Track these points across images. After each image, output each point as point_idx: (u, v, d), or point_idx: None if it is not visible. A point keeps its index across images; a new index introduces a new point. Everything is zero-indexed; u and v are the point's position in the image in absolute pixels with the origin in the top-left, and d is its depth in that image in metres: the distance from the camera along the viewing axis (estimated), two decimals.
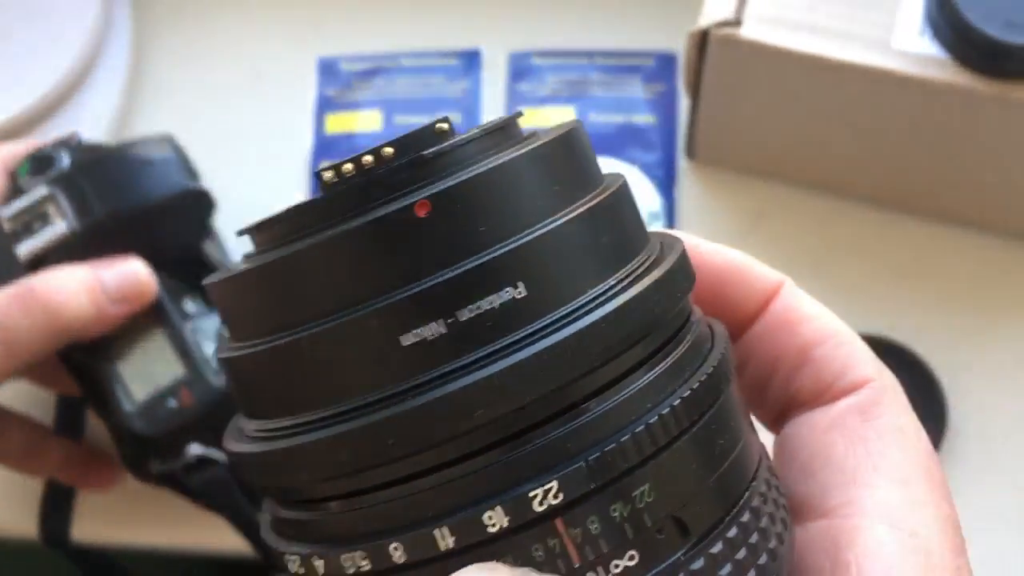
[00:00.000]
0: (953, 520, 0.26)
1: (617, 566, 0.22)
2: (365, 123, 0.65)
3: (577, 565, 0.21)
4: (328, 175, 0.23)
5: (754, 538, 0.23)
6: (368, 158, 0.23)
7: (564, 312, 0.22)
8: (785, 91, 0.52)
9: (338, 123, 0.65)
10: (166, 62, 0.67)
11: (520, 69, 0.65)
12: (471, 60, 0.66)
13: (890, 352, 0.55)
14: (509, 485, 0.21)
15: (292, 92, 0.65)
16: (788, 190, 0.59)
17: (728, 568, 0.23)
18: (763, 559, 0.23)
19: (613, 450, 0.21)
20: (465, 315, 0.21)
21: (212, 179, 0.63)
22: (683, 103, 0.62)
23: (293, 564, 0.23)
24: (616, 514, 0.21)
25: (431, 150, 0.22)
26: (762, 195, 0.60)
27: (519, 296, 0.21)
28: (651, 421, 0.22)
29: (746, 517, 0.23)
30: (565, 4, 0.67)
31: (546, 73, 0.65)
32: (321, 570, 0.23)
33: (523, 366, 0.21)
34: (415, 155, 0.22)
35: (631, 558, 0.22)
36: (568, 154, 0.24)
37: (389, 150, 0.22)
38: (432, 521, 0.21)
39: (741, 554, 0.23)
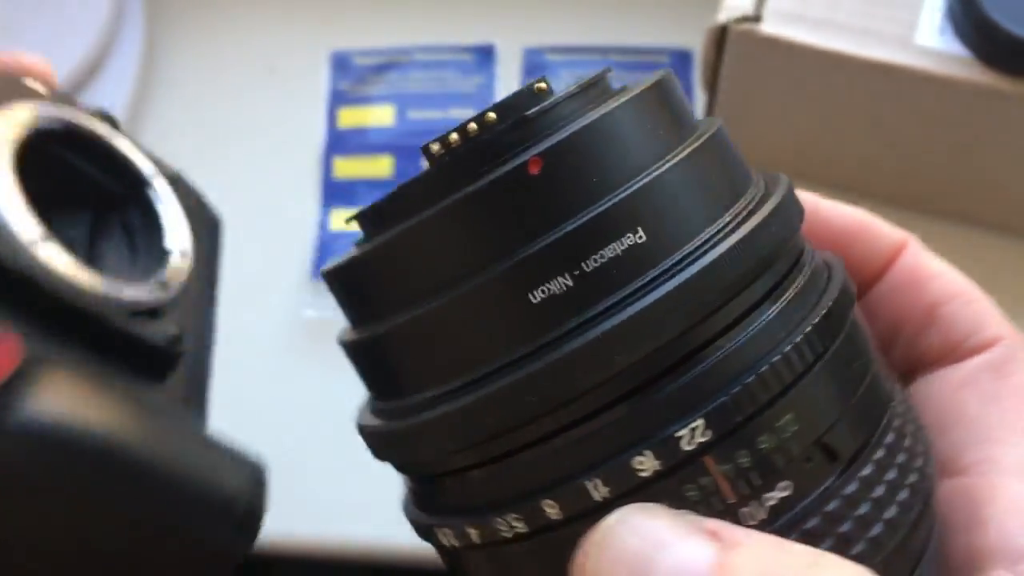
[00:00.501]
0: None
1: (771, 498, 0.21)
2: (377, 118, 0.64)
3: (732, 501, 0.21)
4: (436, 147, 0.23)
5: (901, 458, 0.23)
6: (472, 126, 0.23)
7: (686, 252, 0.22)
8: (804, 88, 0.52)
9: (350, 117, 0.64)
10: (178, 55, 0.66)
11: (534, 65, 0.65)
12: (485, 55, 0.65)
13: None
14: (656, 428, 0.21)
15: (304, 86, 0.65)
16: (804, 187, 0.59)
17: (881, 490, 0.22)
18: (912, 478, 0.23)
19: (754, 382, 0.21)
20: (590, 266, 0.21)
21: (223, 172, 0.63)
22: (698, 100, 0.62)
23: (446, 537, 0.23)
24: (764, 446, 0.21)
25: (534, 110, 0.23)
26: None
27: (640, 241, 0.21)
28: (786, 350, 0.22)
29: (890, 438, 0.23)
30: (580, 0, 0.66)
31: (560, 69, 0.65)
32: (476, 538, 0.23)
33: (655, 309, 0.21)
34: (518, 116, 0.22)
35: (784, 488, 0.22)
36: (665, 100, 0.24)
37: (492, 115, 0.23)
38: (583, 473, 0.21)
39: (891, 475, 0.23)
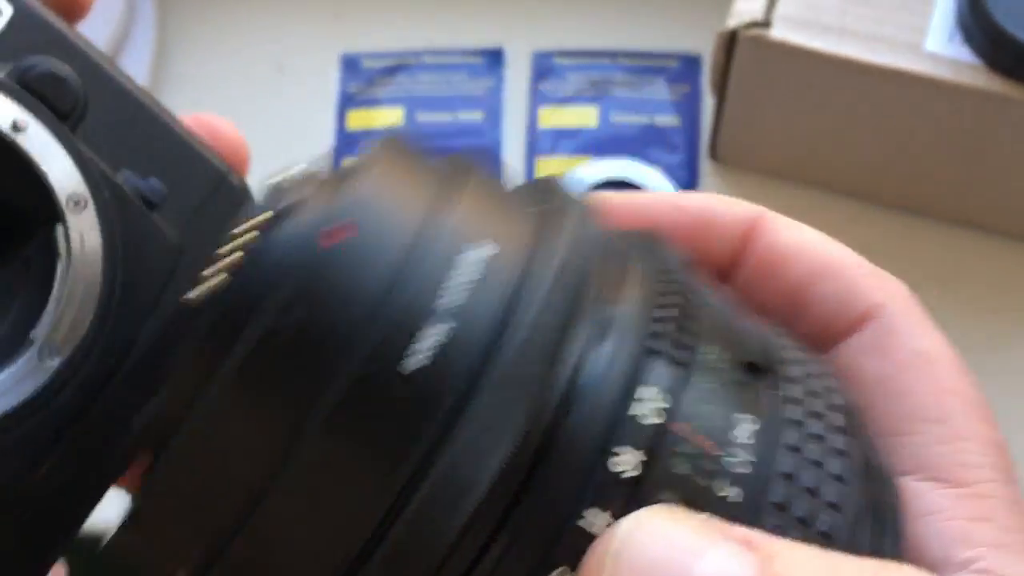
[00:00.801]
0: (997, 443, 0.23)
1: (736, 437, 0.20)
2: (387, 120, 0.64)
3: (717, 453, 0.19)
4: (197, 295, 0.20)
5: (794, 353, 0.22)
6: (217, 280, 0.20)
7: (541, 232, 0.20)
8: (813, 93, 0.52)
9: (359, 119, 0.65)
10: (189, 55, 0.67)
11: (543, 68, 0.65)
12: (494, 59, 0.65)
13: None
14: (614, 420, 0.19)
15: (314, 87, 0.65)
16: (812, 193, 0.59)
17: (812, 382, 0.22)
18: (816, 368, 0.23)
19: (671, 324, 0.20)
20: (455, 298, 0.19)
21: None
22: (707, 105, 0.62)
23: None
24: (708, 386, 0.20)
25: (286, 202, 0.20)
26: (785, 198, 0.59)
27: (495, 252, 0.19)
28: (680, 279, 0.21)
29: (780, 336, 0.23)
30: (590, 4, 0.66)
31: (569, 73, 0.65)
32: None
33: (550, 298, 0.19)
34: (275, 215, 0.20)
35: (746, 420, 0.20)
36: (406, 144, 0.22)
37: (250, 235, 0.20)
38: (572, 517, 0.18)
39: (805, 368, 0.22)
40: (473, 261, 0.19)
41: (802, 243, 0.25)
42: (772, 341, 0.23)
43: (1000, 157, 0.52)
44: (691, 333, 0.21)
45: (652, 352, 0.20)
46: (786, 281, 0.25)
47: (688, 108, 0.63)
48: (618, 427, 0.19)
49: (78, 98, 0.22)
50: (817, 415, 0.21)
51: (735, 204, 0.26)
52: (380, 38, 0.66)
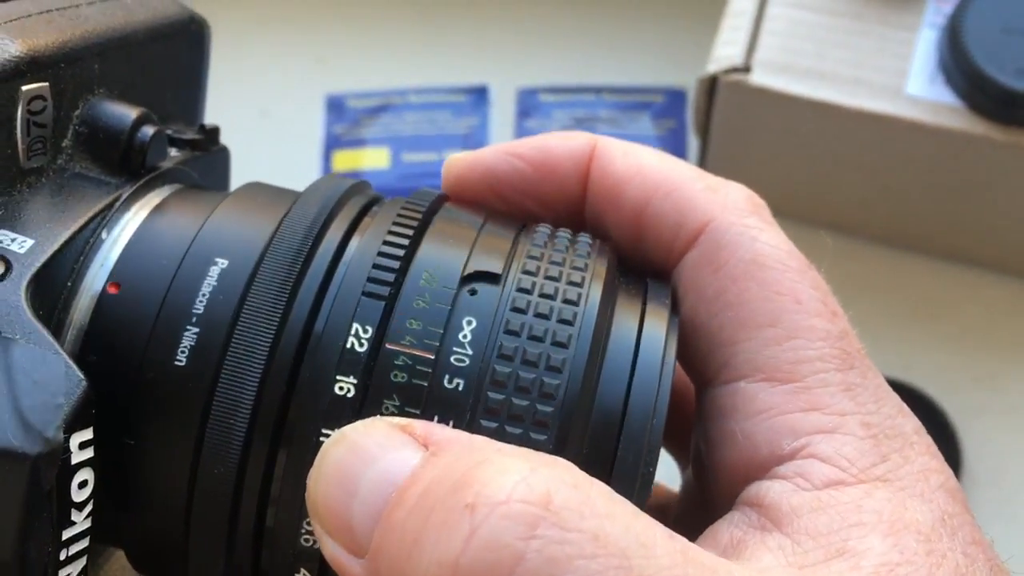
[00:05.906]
0: (836, 332, 0.23)
1: (460, 337, 0.23)
2: (372, 160, 0.64)
3: (430, 356, 0.22)
4: None
5: (539, 249, 0.24)
6: None
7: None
8: (795, 135, 0.52)
9: (345, 160, 0.64)
10: None
11: (528, 105, 0.65)
12: (479, 96, 0.65)
13: (901, 395, 0.54)
14: (330, 353, 0.22)
15: (299, 129, 0.65)
16: (798, 228, 0.58)
17: (551, 269, 0.24)
18: (563, 252, 0.24)
19: (386, 270, 0.23)
20: (201, 306, 0.23)
21: None
22: (692, 139, 0.62)
23: None
24: (422, 304, 0.23)
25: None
26: None
27: (225, 265, 0.24)
28: (397, 226, 0.24)
29: (537, 233, 0.25)
30: (574, 40, 0.66)
31: (554, 109, 0.65)
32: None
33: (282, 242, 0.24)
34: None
35: (468, 322, 0.23)
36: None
37: None
38: (317, 434, 0.22)
39: (547, 260, 0.24)
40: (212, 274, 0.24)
41: (638, 165, 0.25)
42: (521, 244, 0.25)
43: (983, 195, 0.51)
44: (402, 271, 0.23)
45: (365, 294, 0.23)
46: (625, 205, 0.25)
47: (674, 143, 0.63)
48: (340, 361, 0.22)
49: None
50: (545, 296, 0.23)
51: (568, 138, 0.26)
52: (365, 78, 0.66)
